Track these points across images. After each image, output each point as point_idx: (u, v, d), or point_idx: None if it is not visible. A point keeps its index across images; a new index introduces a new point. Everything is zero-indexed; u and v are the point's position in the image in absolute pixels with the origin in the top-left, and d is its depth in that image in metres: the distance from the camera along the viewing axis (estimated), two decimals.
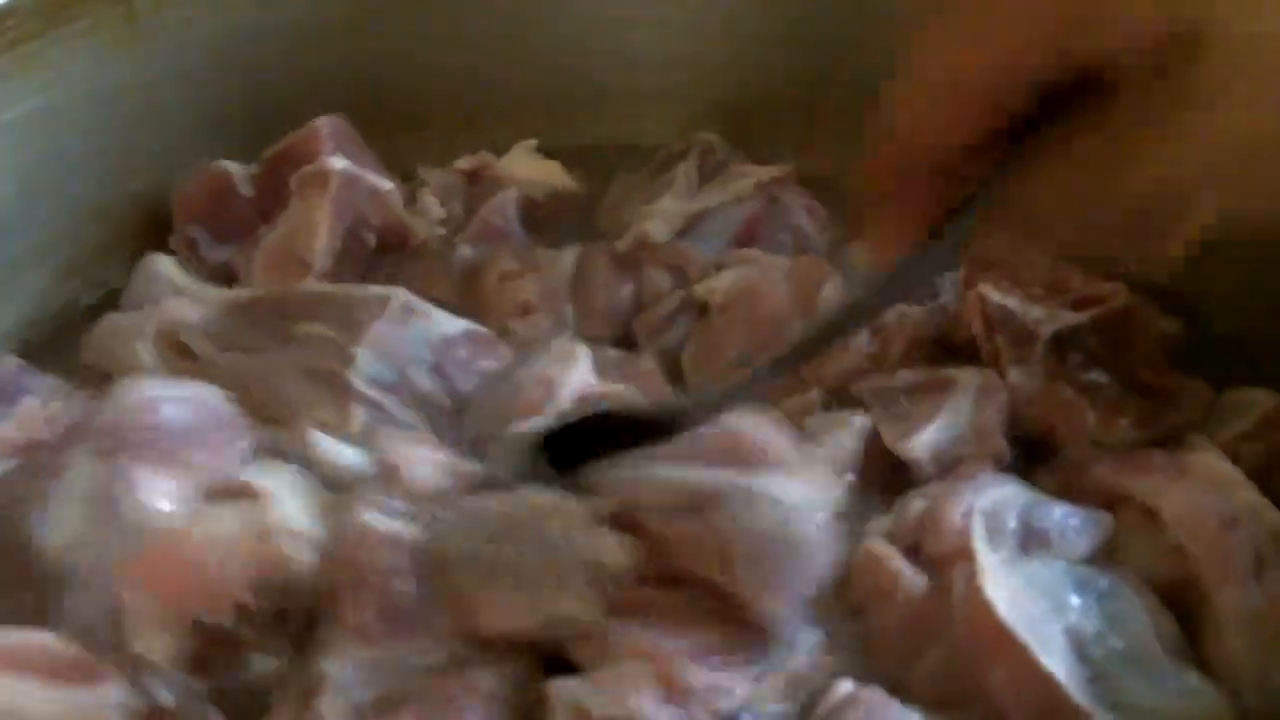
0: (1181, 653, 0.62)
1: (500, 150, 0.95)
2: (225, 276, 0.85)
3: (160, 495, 0.65)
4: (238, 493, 0.65)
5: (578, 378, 0.72)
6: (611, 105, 0.99)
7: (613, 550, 0.61)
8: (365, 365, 0.72)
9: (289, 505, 0.65)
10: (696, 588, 0.62)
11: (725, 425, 0.65)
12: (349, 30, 0.94)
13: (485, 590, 0.61)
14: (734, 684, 0.59)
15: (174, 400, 0.68)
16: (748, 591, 0.61)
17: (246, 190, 0.87)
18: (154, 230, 0.90)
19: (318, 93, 0.92)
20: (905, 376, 0.75)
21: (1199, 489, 0.66)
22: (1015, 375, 0.75)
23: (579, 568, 0.61)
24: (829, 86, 0.95)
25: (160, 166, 0.90)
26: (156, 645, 0.59)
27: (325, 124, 0.86)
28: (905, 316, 0.78)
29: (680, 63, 0.99)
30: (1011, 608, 0.60)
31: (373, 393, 0.72)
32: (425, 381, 0.74)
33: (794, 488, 0.63)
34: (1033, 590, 0.62)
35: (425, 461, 0.66)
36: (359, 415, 0.71)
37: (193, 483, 0.66)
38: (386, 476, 0.66)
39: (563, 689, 0.58)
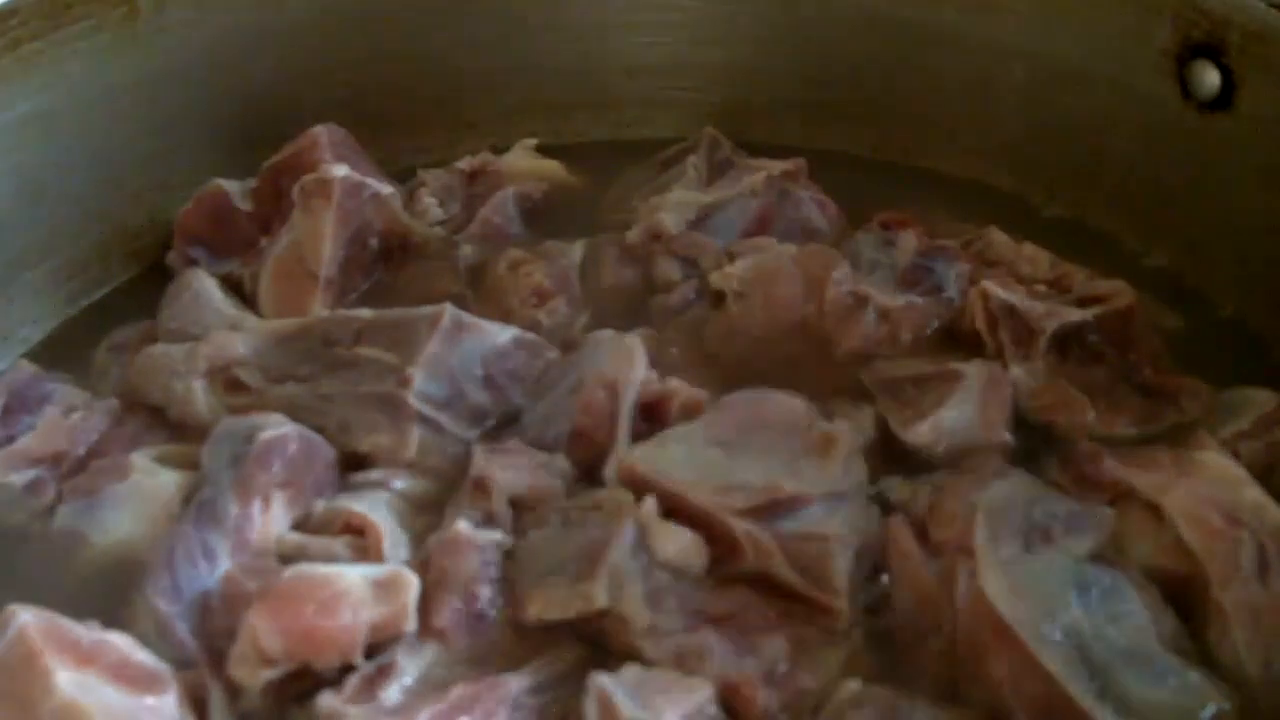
0: (1183, 649, 0.63)
1: (501, 150, 0.96)
2: (230, 289, 0.85)
3: (278, 523, 0.67)
4: (345, 524, 0.68)
5: (639, 375, 0.73)
6: (611, 105, 1.00)
7: (684, 550, 0.64)
8: (422, 385, 0.72)
9: (391, 538, 0.66)
10: (765, 586, 0.65)
11: (750, 400, 0.70)
12: (348, 33, 0.94)
13: (534, 582, 0.64)
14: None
15: (282, 433, 0.69)
16: (824, 595, 0.64)
17: (244, 205, 0.87)
18: (154, 230, 0.90)
19: (317, 93, 0.93)
20: (913, 366, 0.77)
21: (1203, 486, 0.67)
22: (1018, 370, 0.76)
23: (629, 561, 0.63)
24: (828, 87, 0.96)
25: (160, 166, 0.91)
26: (257, 676, 0.60)
27: (323, 132, 0.86)
28: (913, 305, 0.79)
29: (680, 64, 0.99)
30: (1012, 606, 0.62)
31: (429, 411, 0.72)
32: (480, 395, 0.74)
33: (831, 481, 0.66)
34: (1035, 588, 0.63)
35: (513, 468, 0.68)
36: (416, 436, 0.72)
37: (302, 512, 0.68)
38: (479, 488, 0.67)
39: (599, 682, 0.59)
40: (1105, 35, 0.85)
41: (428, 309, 0.76)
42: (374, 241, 0.85)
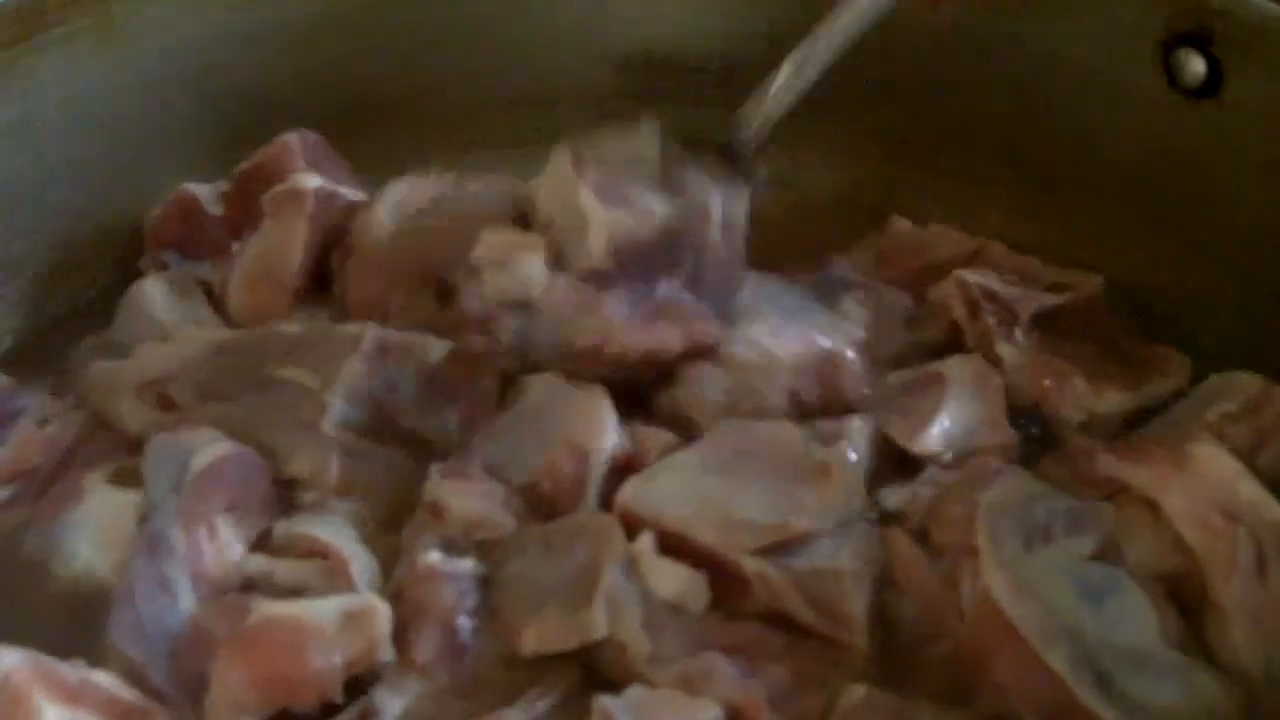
0: (1186, 648, 0.63)
1: (486, 145, 0.95)
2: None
3: (230, 549, 0.66)
4: (308, 549, 0.66)
5: (610, 442, 0.70)
6: (596, 101, 0.98)
7: (684, 591, 0.63)
8: (341, 412, 0.70)
9: (358, 561, 0.65)
10: (770, 621, 0.64)
11: (741, 428, 0.70)
12: (324, 36, 0.93)
13: (526, 612, 0.62)
14: None
15: (219, 456, 0.68)
16: (842, 632, 0.63)
17: (215, 209, 0.86)
18: (132, 238, 0.89)
19: (294, 97, 0.92)
20: (898, 376, 0.77)
21: (1200, 482, 0.67)
22: (1005, 349, 0.77)
23: (624, 587, 0.63)
24: (820, 85, 0.94)
25: (138, 173, 0.89)
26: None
27: (295, 139, 0.85)
28: (890, 308, 0.80)
29: (667, 58, 0.98)
30: (1017, 606, 0.61)
31: (350, 440, 0.70)
32: (411, 419, 0.72)
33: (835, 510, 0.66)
34: (1039, 588, 0.63)
35: (467, 493, 0.67)
36: (335, 465, 0.69)
37: (252, 533, 0.67)
38: (434, 513, 0.66)
39: (603, 705, 0.59)
40: (1091, 22, 0.84)
41: (351, 326, 0.74)
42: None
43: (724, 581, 0.64)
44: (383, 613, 0.61)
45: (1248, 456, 0.68)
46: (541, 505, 0.68)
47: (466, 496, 0.66)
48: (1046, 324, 0.78)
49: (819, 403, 0.74)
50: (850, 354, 0.75)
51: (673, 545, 0.65)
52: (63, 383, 0.80)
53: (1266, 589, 0.63)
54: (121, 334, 0.81)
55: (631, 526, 0.65)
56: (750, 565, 0.64)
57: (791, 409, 0.73)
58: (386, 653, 0.61)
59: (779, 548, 0.64)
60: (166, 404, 0.73)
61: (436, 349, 0.74)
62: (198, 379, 0.74)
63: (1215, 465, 0.67)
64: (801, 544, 0.65)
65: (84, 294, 0.89)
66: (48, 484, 0.71)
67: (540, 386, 0.72)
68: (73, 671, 0.59)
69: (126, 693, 0.59)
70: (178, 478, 0.66)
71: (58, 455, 0.73)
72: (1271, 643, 0.62)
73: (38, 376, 0.80)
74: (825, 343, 0.75)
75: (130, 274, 0.87)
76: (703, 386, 0.73)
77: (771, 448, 0.69)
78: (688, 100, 0.95)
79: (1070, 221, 0.88)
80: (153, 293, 0.83)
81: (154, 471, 0.67)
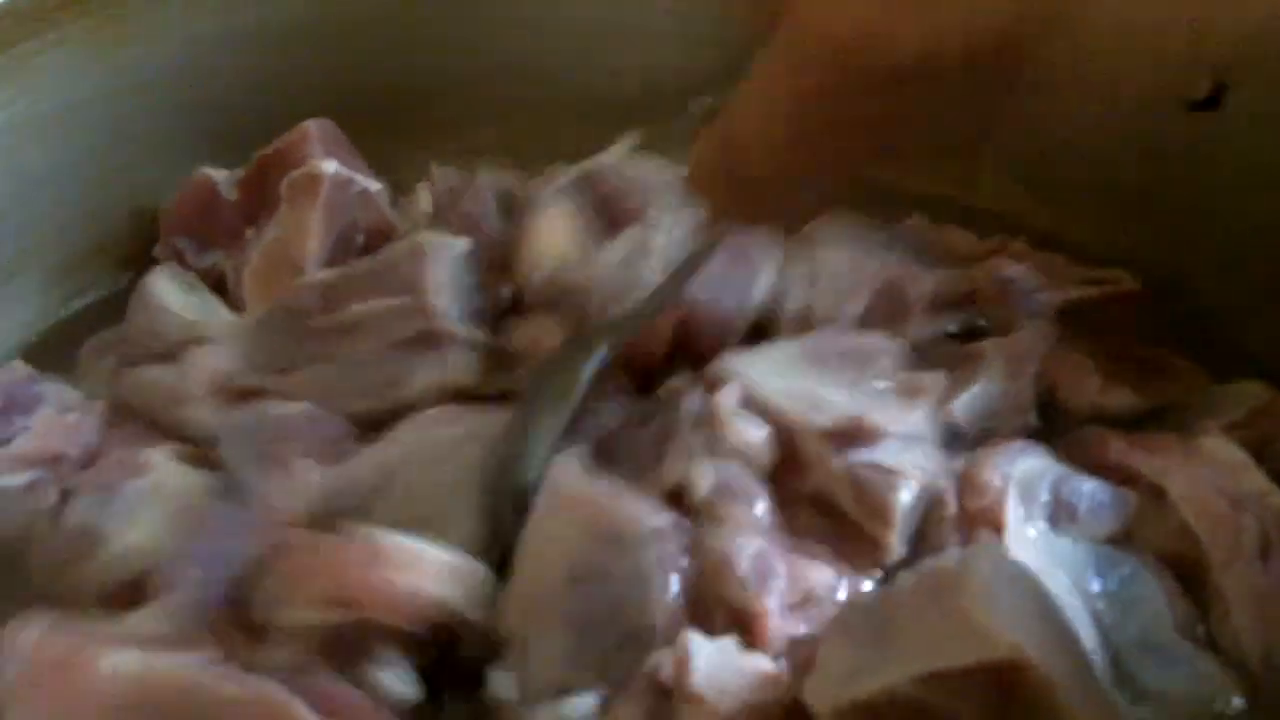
0: (1196, 636, 0.64)
1: (486, 153, 0.94)
2: (214, 281, 0.85)
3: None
4: None
5: None
6: (601, 112, 0.98)
7: (756, 442, 0.67)
8: (446, 306, 0.73)
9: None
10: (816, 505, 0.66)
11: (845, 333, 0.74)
12: (334, 35, 0.94)
13: None
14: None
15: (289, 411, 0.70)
16: (877, 528, 0.65)
17: (231, 195, 0.87)
18: (144, 232, 0.90)
19: (303, 96, 0.93)
20: (933, 348, 0.78)
21: (1207, 470, 0.68)
22: (1025, 336, 0.77)
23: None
24: None
25: (148, 169, 0.90)
26: (295, 617, 0.59)
27: (314, 127, 0.86)
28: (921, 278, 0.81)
29: (669, 71, 0.98)
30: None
31: (463, 332, 0.73)
32: (476, 298, 0.76)
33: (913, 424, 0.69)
34: (1059, 568, 0.64)
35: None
36: (465, 359, 0.72)
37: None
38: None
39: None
40: None
41: (400, 244, 0.77)
42: (359, 238, 0.85)
43: (785, 457, 0.67)
44: (481, 573, 0.62)
45: (1253, 458, 0.69)
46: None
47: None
48: (1073, 317, 0.79)
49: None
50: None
51: (753, 409, 0.68)
52: (78, 375, 0.81)
53: (1269, 576, 0.64)
54: (143, 337, 0.80)
55: (716, 388, 0.68)
56: (814, 444, 0.66)
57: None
58: (476, 612, 0.61)
59: (848, 439, 0.67)
60: (242, 394, 0.74)
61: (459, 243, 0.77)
62: (259, 361, 0.75)
63: (1223, 455, 0.69)
64: (869, 441, 0.67)
65: (99, 288, 0.90)
66: (78, 468, 0.72)
67: None
68: (113, 625, 0.59)
69: (173, 628, 0.60)
70: (250, 435, 0.68)
71: (81, 444, 0.73)
72: (1272, 630, 0.63)
73: (52, 368, 0.81)
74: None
75: (145, 269, 0.87)
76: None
77: (875, 357, 0.72)
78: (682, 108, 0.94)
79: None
80: (164, 287, 0.83)
81: (229, 440, 0.68)
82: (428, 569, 0.60)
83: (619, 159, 0.86)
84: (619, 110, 0.99)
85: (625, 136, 0.91)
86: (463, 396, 0.72)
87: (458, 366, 0.72)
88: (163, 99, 0.89)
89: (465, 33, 0.97)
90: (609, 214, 0.81)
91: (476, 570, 0.62)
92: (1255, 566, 0.64)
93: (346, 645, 0.59)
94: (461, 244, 0.78)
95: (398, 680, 0.60)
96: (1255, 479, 0.67)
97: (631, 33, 0.98)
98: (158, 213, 0.88)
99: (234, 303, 0.83)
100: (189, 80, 0.89)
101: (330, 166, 0.83)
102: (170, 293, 0.82)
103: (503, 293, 0.78)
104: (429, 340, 0.73)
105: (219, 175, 0.87)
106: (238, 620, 0.61)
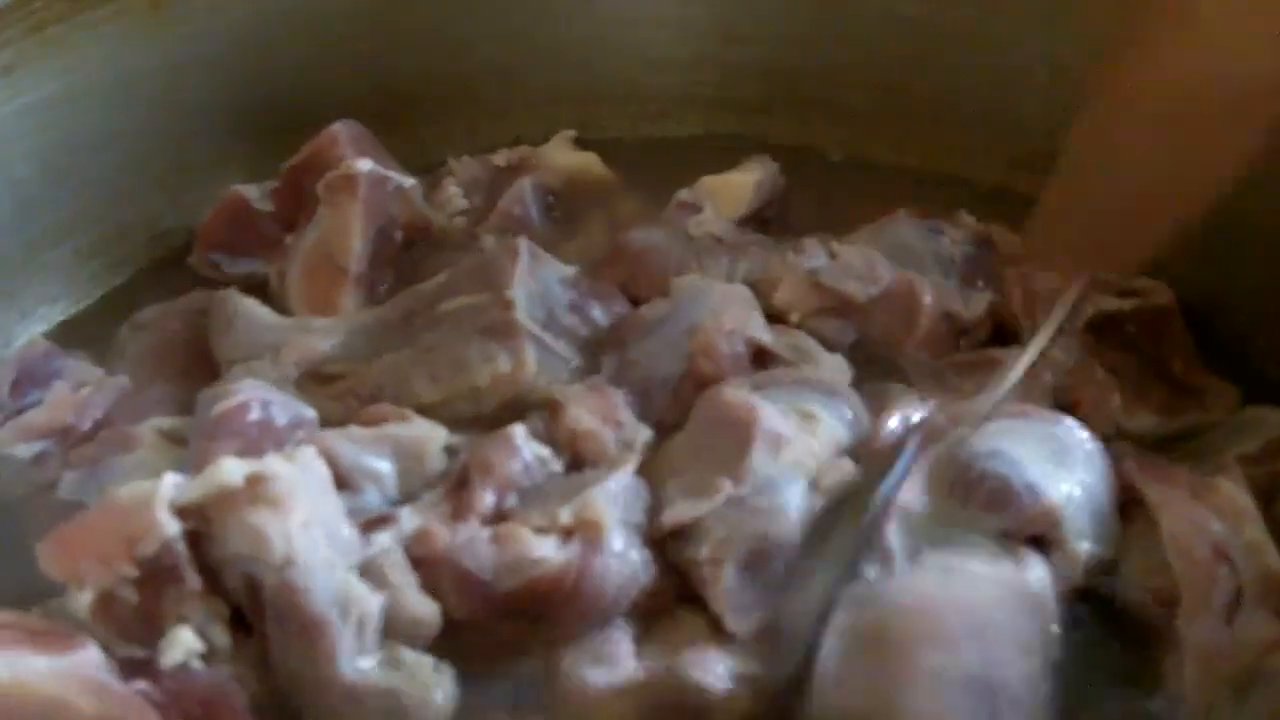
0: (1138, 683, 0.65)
1: (526, 141, 0.96)
2: (250, 287, 0.85)
3: None
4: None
5: (759, 321, 0.77)
6: (635, 100, 1.00)
7: None
8: (525, 304, 0.75)
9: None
10: None
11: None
12: (373, 20, 0.95)
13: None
14: None
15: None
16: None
17: (264, 206, 0.88)
18: (173, 213, 0.92)
19: (340, 81, 0.94)
20: (954, 357, 0.79)
21: (1205, 513, 0.67)
22: (1052, 349, 0.75)
23: None
24: (849, 83, 0.96)
25: (181, 150, 0.92)
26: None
27: (341, 129, 0.87)
28: (984, 304, 0.81)
29: (701, 59, 0.99)
30: None
31: (537, 330, 0.75)
32: (567, 318, 0.78)
33: None
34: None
35: (587, 405, 0.73)
36: (533, 354, 0.74)
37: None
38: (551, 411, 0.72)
39: None
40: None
41: (500, 245, 0.81)
42: (398, 234, 0.86)
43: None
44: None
45: (1263, 499, 0.68)
46: (690, 390, 0.74)
47: (585, 409, 0.71)
48: (1104, 328, 0.78)
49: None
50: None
51: None
52: (103, 353, 0.82)
53: (1229, 633, 0.63)
54: (238, 352, 0.79)
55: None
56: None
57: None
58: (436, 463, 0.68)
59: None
60: (325, 380, 0.76)
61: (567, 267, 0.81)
62: (350, 352, 0.77)
63: (1233, 500, 0.67)
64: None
65: (128, 268, 0.91)
66: (84, 442, 0.74)
67: (680, 288, 0.80)
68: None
69: (40, 622, 0.61)
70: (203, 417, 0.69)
71: (91, 418, 0.75)
72: (1216, 686, 0.63)
73: (79, 346, 0.82)
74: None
75: (174, 252, 0.91)
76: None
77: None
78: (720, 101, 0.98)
79: None
80: (248, 306, 0.82)
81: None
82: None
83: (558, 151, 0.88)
84: (656, 101, 1.00)
85: (560, 134, 0.93)
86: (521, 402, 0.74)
87: (524, 361, 0.73)
88: (197, 83, 0.90)
89: (502, 22, 0.97)
90: None
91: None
92: (1218, 622, 0.64)
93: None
94: (570, 270, 0.80)
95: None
96: (1255, 531, 0.66)
97: (671, 24, 0.98)
98: (190, 195, 0.90)
99: (278, 307, 0.83)
100: (223, 62, 0.91)
101: (365, 165, 0.84)
102: (253, 308, 0.82)
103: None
104: (503, 331, 0.74)
105: (250, 190, 0.88)
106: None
